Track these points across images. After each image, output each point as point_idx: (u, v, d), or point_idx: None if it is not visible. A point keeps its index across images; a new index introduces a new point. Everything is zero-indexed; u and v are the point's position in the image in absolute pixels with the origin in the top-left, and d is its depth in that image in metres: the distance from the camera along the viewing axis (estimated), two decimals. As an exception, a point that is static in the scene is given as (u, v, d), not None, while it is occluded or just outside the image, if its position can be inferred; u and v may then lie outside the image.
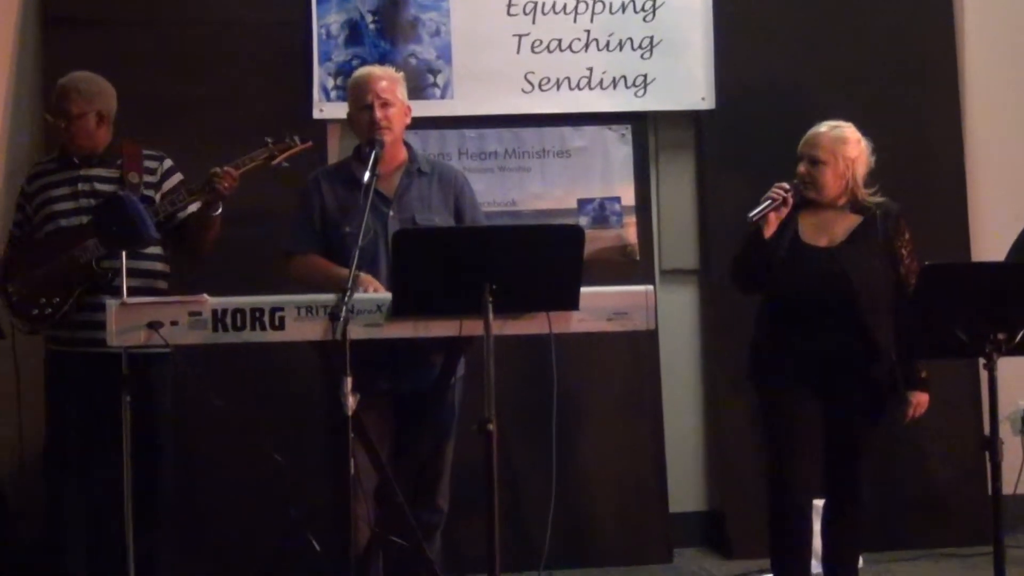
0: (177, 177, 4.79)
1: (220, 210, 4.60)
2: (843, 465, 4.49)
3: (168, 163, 4.80)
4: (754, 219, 4.49)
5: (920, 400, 4.51)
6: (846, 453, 4.48)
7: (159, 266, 4.74)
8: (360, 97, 4.44)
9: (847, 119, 4.60)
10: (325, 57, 5.56)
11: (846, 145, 4.49)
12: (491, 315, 3.77)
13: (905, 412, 4.52)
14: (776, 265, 4.49)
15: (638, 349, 5.57)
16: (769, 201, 4.50)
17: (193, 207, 4.62)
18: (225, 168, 4.50)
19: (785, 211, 4.51)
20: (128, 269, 4.34)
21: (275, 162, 4.55)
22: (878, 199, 4.54)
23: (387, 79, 4.47)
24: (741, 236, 4.64)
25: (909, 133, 5.72)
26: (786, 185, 4.51)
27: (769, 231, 4.51)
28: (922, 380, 4.50)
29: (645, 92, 5.67)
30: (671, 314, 5.68)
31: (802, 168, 4.53)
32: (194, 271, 4.78)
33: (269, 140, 4.56)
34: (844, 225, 4.52)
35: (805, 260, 4.47)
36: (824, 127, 4.54)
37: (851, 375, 4.41)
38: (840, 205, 4.53)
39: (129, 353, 4.24)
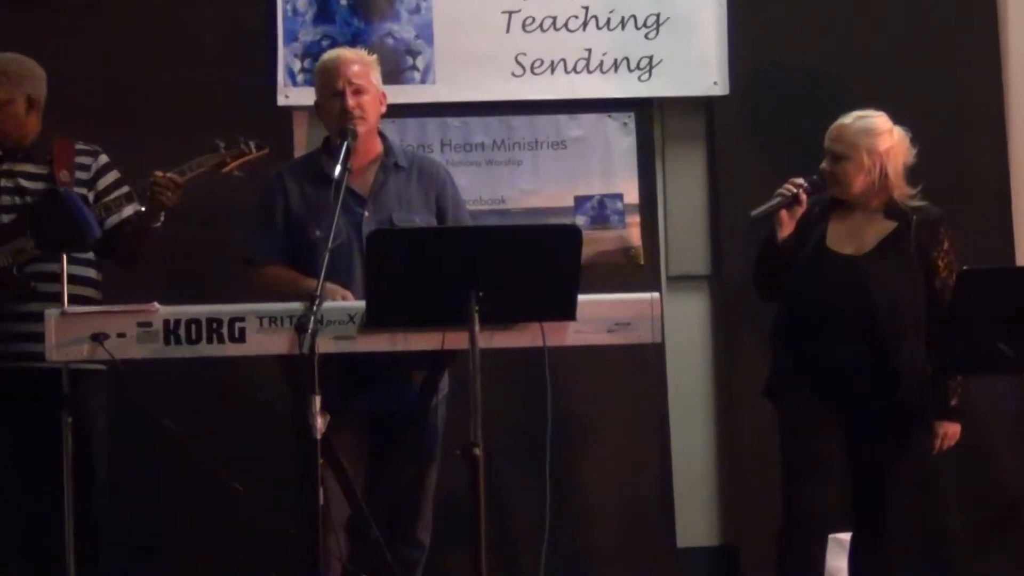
0: (113, 175, 4.74)
1: (161, 221, 4.57)
2: (869, 494, 4.50)
3: (103, 158, 4.76)
4: (756, 217, 4.51)
5: (949, 431, 4.50)
6: (872, 481, 4.49)
7: (91, 272, 4.70)
8: (329, 83, 4.45)
9: (879, 107, 4.60)
10: (291, 36, 5.56)
11: (873, 137, 4.48)
12: (477, 326, 3.77)
13: (932, 443, 4.52)
14: (796, 271, 4.51)
15: (642, 364, 5.58)
16: (779, 199, 4.52)
17: (128, 211, 4.59)
18: (168, 175, 4.45)
19: (800, 210, 4.52)
20: (56, 275, 4.31)
21: (226, 169, 4.52)
22: (918, 203, 4.53)
23: (359, 62, 4.48)
24: (758, 238, 4.66)
25: (947, 126, 5.70)
26: (800, 181, 4.52)
27: (783, 232, 4.53)
28: (953, 409, 4.49)
29: (650, 76, 5.68)
30: (679, 325, 5.68)
31: (825, 164, 4.54)
32: (127, 275, 4.74)
33: (221, 144, 4.53)
34: (875, 231, 4.53)
35: (826, 268, 4.49)
36: (849, 118, 4.54)
37: (873, 397, 4.42)
38: (873, 207, 4.53)
39: (55, 368, 4.20)
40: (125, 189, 4.60)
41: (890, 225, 4.52)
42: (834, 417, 4.45)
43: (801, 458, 4.47)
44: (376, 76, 4.51)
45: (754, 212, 4.53)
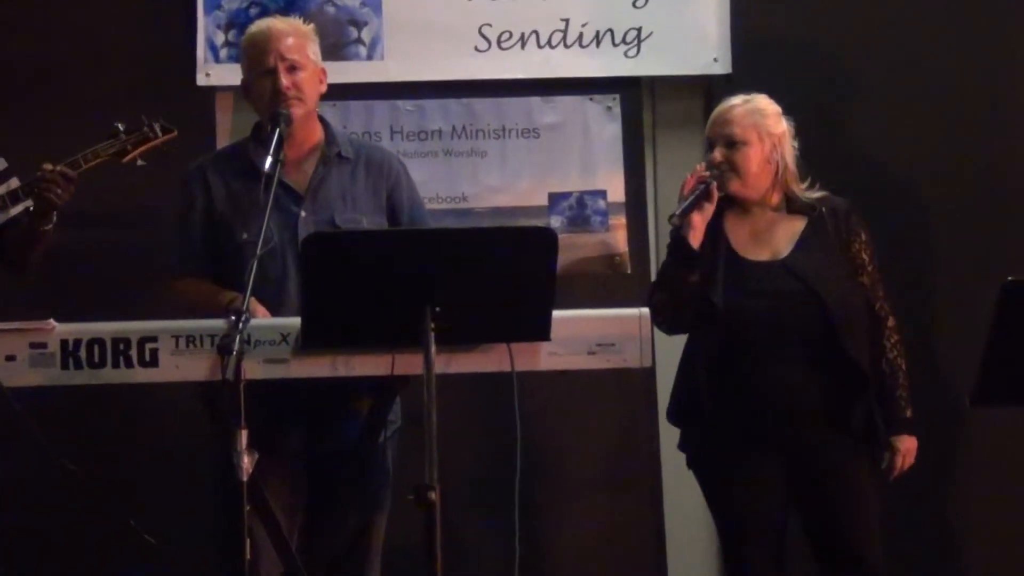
0: None
1: (53, 223, 4.54)
2: (835, 541, 4.50)
3: None
4: (678, 220, 4.44)
5: (908, 447, 4.53)
6: (835, 522, 4.48)
7: None
8: (258, 59, 4.44)
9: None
10: (213, 4, 5.54)
11: (766, 119, 4.53)
12: (433, 347, 3.77)
13: (892, 463, 4.54)
14: (715, 292, 4.46)
15: (629, 392, 5.58)
16: (698, 190, 4.44)
17: (17, 209, 4.55)
18: (59, 168, 4.41)
19: (710, 209, 4.48)
20: None
21: (127, 159, 4.50)
22: (818, 193, 4.57)
23: (293, 34, 4.48)
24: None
25: (986, 116, 5.71)
26: (705, 172, 4.49)
27: (696, 239, 4.45)
28: (907, 420, 4.53)
29: (639, 51, 5.69)
30: (672, 345, 5.67)
31: (718, 155, 4.52)
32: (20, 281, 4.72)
33: (120, 127, 4.51)
34: (786, 231, 4.55)
35: (753, 281, 4.47)
36: (736, 99, 4.57)
37: (829, 429, 4.44)
38: (774, 205, 4.57)
39: None
40: (13, 184, 4.58)
41: (799, 221, 4.55)
42: (781, 472, 4.46)
43: (747, 537, 4.48)
44: (314, 50, 4.51)
45: (676, 214, 4.43)
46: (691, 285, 4.47)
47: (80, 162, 4.45)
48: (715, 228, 4.53)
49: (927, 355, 5.39)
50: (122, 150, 4.50)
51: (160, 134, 4.53)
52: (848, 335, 4.42)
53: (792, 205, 4.55)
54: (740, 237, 4.54)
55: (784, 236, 4.54)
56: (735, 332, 4.45)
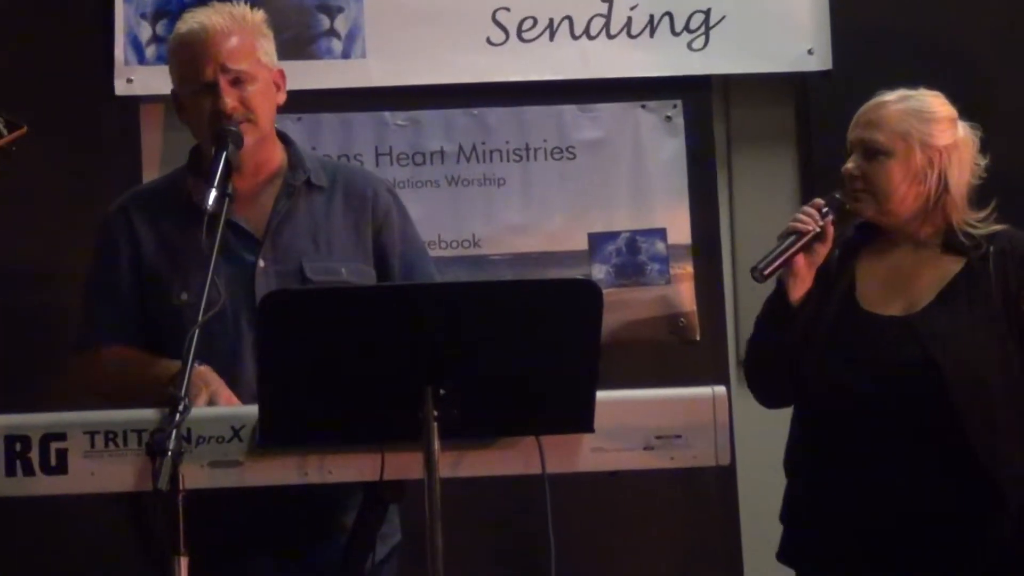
0: None
1: None
2: None
3: None
4: (765, 274, 4.46)
5: None
6: None
7: None
8: (192, 70, 4.42)
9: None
10: (136, -11, 5.59)
11: (929, 125, 4.49)
12: (437, 443, 3.74)
13: None
14: (816, 353, 4.48)
15: (702, 499, 5.60)
16: (792, 238, 4.47)
17: None
18: None
19: (823, 251, 4.49)
20: None
21: None
22: (990, 228, 4.53)
23: (238, 32, 4.45)
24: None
25: None
26: (820, 203, 4.50)
27: (799, 289, 4.50)
28: None
29: (707, 42, 5.71)
30: (758, 435, 5.65)
31: (851, 165, 4.52)
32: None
33: None
34: (932, 275, 4.53)
35: (864, 340, 4.47)
36: (892, 95, 4.55)
37: (955, 541, 4.40)
38: (923, 238, 4.54)
39: None
40: None
41: (954, 263, 4.52)
42: None
43: None
44: (267, 48, 4.49)
45: (760, 265, 4.46)
46: (782, 346, 4.50)
47: None
48: (842, 268, 4.55)
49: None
50: None
51: (5, 132, 4.52)
52: (980, 427, 4.37)
53: (950, 241, 4.51)
54: (871, 282, 4.55)
55: (930, 283, 4.52)
56: (829, 414, 4.46)
